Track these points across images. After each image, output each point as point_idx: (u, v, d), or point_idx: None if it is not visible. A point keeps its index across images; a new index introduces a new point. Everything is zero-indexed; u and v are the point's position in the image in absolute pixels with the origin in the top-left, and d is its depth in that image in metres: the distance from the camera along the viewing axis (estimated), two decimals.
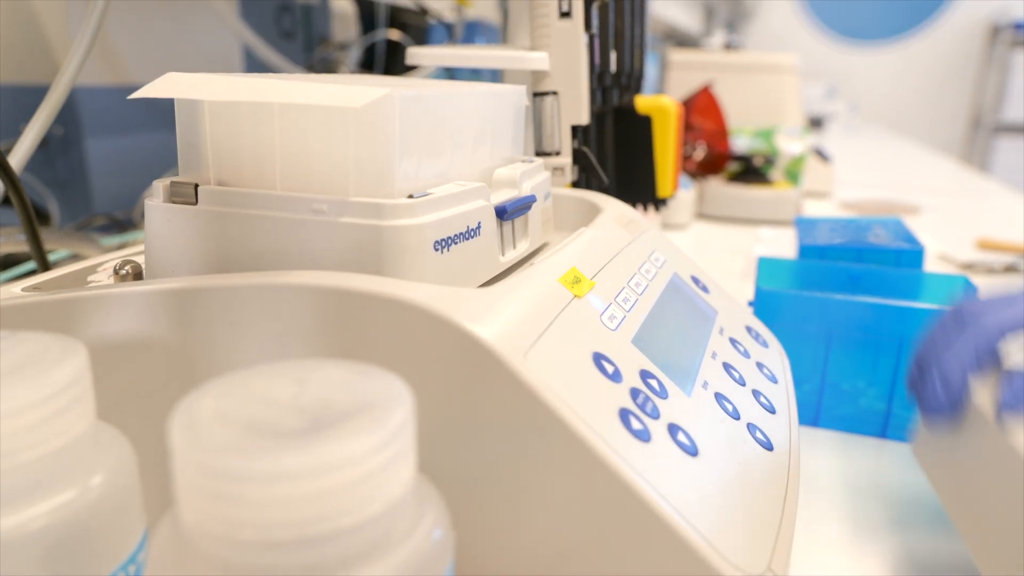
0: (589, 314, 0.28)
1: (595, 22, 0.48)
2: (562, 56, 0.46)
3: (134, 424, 0.23)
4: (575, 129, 0.47)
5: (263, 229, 0.27)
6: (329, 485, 0.15)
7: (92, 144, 0.76)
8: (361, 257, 0.26)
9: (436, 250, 0.27)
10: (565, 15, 0.46)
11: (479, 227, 0.30)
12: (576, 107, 0.47)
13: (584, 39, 0.46)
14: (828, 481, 0.42)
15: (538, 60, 0.43)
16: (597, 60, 0.50)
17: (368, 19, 1.39)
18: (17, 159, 0.40)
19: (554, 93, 0.47)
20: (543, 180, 0.36)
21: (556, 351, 0.24)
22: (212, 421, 0.16)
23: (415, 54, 0.46)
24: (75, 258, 0.60)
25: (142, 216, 0.78)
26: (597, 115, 0.52)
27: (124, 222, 0.75)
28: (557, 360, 0.24)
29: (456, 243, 0.28)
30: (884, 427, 0.48)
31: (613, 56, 0.53)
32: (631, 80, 0.58)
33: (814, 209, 1.19)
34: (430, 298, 0.23)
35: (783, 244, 0.95)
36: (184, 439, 0.15)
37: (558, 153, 0.48)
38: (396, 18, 1.42)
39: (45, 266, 0.40)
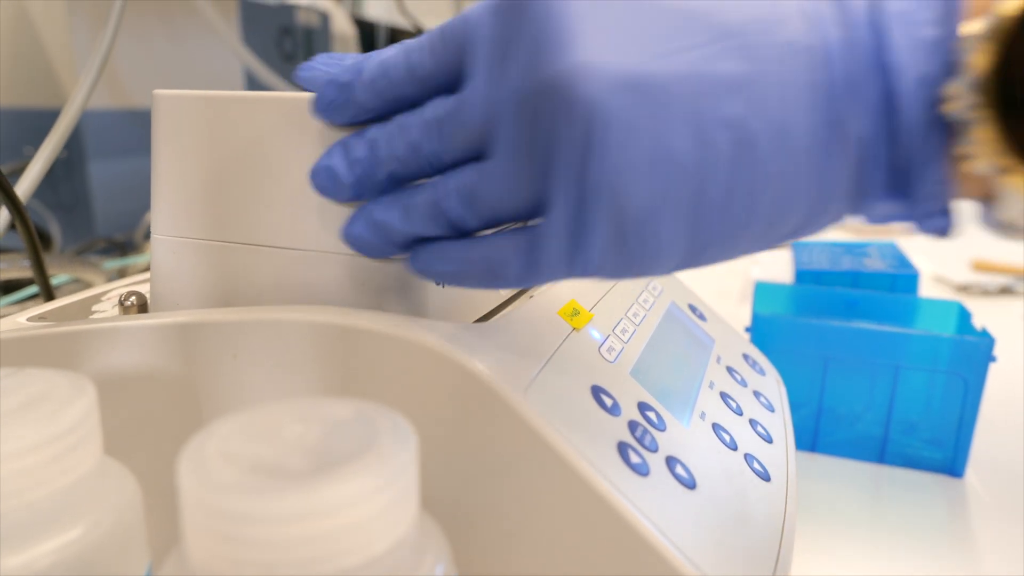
0: (588, 346, 0.28)
1: None
2: None
3: (137, 456, 0.23)
4: None
5: (267, 263, 0.28)
6: (333, 526, 0.16)
7: (95, 167, 0.77)
8: (363, 291, 0.27)
9: (437, 283, 0.27)
10: None
11: None
12: None
13: None
14: (826, 507, 0.43)
15: None
16: None
17: (368, 41, 1.41)
18: (24, 187, 0.41)
19: None
20: None
21: (555, 385, 0.25)
22: (218, 461, 0.16)
23: None
24: (77, 283, 0.61)
25: (144, 238, 0.79)
26: None
27: (125, 244, 0.76)
28: (556, 394, 0.24)
29: None
30: (881, 452, 0.48)
31: None
32: None
33: None
34: (429, 334, 0.24)
35: (780, 266, 0.96)
36: (191, 479, 0.16)
37: None
38: (395, 40, 1.43)
39: (49, 295, 0.40)
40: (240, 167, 0.27)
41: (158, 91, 0.28)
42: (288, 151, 0.26)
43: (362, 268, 0.26)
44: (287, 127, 0.26)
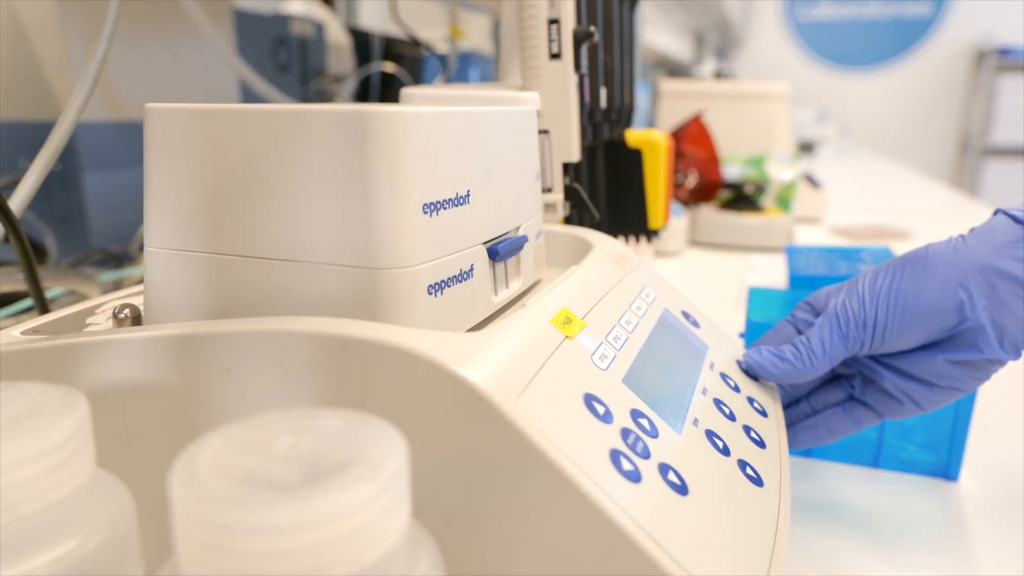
0: (580, 354, 0.28)
1: (584, 62, 0.49)
2: (553, 96, 0.47)
3: (131, 468, 0.24)
4: (566, 166, 0.48)
5: (260, 274, 0.28)
6: (325, 537, 0.16)
7: (89, 179, 0.77)
8: (356, 302, 0.27)
9: (430, 294, 0.27)
10: (555, 57, 0.47)
11: (472, 269, 0.30)
12: (567, 145, 0.48)
13: (574, 80, 0.48)
14: (820, 512, 0.43)
15: (529, 101, 0.44)
16: (587, 98, 0.51)
17: (363, 51, 1.41)
18: (18, 201, 0.41)
19: (545, 132, 0.48)
20: (536, 219, 0.37)
21: (548, 393, 0.25)
22: (210, 473, 0.16)
23: (410, 94, 0.47)
24: (72, 295, 0.61)
25: (139, 250, 0.79)
26: (588, 149, 0.53)
27: (120, 256, 0.76)
28: (549, 403, 0.25)
29: (450, 286, 0.29)
30: (876, 456, 0.48)
31: (603, 93, 0.54)
32: (621, 115, 0.60)
33: (806, 235, 1.20)
34: (422, 343, 0.24)
35: (775, 271, 0.96)
36: (183, 491, 0.16)
37: (550, 190, 0.49)
38: (391, 50, 1.44)
39: (44, 308, 0.40)
40: (233, 179, 0.27)
41: (150, 104, 0.28)
42: (281, 163, 0.27)
43: (354, 279, 0.27)
44: (280, 139, 0.26)
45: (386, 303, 0.26)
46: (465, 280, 0.30)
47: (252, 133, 0.27)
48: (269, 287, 0.28)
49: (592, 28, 0.48)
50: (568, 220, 0.50)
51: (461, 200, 0.29)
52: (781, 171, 1.14)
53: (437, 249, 0.28)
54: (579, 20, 0.49)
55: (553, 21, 0.47)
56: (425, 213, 0.27)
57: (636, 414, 0.28)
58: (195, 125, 0.27)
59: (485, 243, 0.31)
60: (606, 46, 0.54)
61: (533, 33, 0.47)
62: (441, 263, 0.28)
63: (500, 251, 0.32)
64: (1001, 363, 0.36)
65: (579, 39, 0.47)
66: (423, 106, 0.27)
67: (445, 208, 0.28)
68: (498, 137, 0.32)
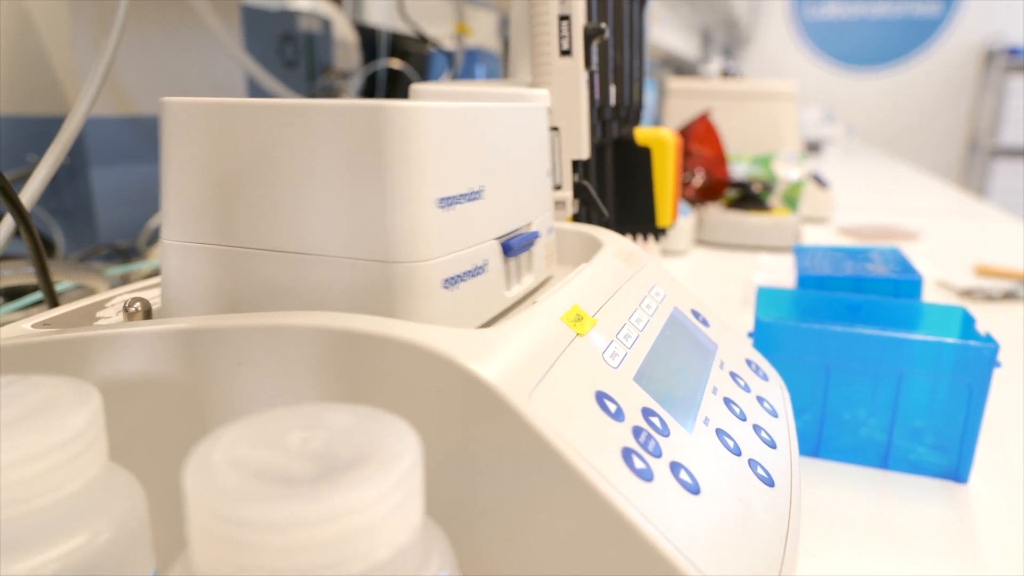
0: (591, 352, 0.28)
1: (595, 59, 0.49)
2: (563, 93, 0.47)
3: (142, 463, 0.23)
4: (575, 163, 0.48)
5: (275, 267, 0.28)
6: (338, 532, 0.16)
7: (97, 174, 0.77)
8: (371, 296, 0.27)
9: (445, 288, 0.27)
10: (566, 53, 0.47)
11: (486, 264, 0.30)
12: (576, 142, 0.48)
13: (584, 76, 0.47)
14: (829, 513, 0.43)
15: (539, 97, 0.44)
16: (597, 95, 0.51)
17: (370, 48, 1.41)
18: (29, 195, 0.41)
19: (555, 129, 0.47)
20: (547, 215, 0.37)
21: (559, 391, 0.25)
22: (224, 467, 0.16)
23: (420, 90, 0.47)
24: (80, 289, 0.61)
25: (146, 244, 0.79)
26: (597, 147, 0.53)
27: (128, 251, 0.76)
28: (560, 400, 0.24)
29: (464, 280, 0.29)
30: (885, 458, 0.48)
31: (613, 90, 0.54)
32: (630, 112, 0.59)
33: (813, 235, 1.20)
34: (434, 339, 0.24)
35: (782, 271, 0.96)
36: (197, 486, 0.16)
37: (559, 187, 0.48)
38: (397, 47, 1.44)
39: (54, 302, 0.40)
40: (248, 173, 0.27)
41: (167, 99, 0.28)
42: (296, 157, 0.27)
43: (369, 273, 0.27)
44: (295, 133, 0.26)
45: (401, 297, 0.26)
46: (479, 275, 0.30)
47: (267, 127, 0.26)
48: (283, 281, 0.28)
49: (603, 25, 0.47)
50: (576, 218, 0.50)
51: (475, 195, 0.29)
52: (788, 170, 1.14)
53: (452, 243, 0.28)
54: (589, 17, 0.48)
55: (564, 17, 0.46)
56: (440, 208, 0.27)
57: (647, 412, 0.27)
58: (212, 119, 0.27)
59: (498, 238, 0.31)
60: (616, 43, 0.54)
61: (544, 29, 0.47)
62: (456, 257, 0.28)
63: (513, 246, 0.32)
64: None
65: (590, 36, 0.47)
66: (436, 102, 0.27)
67: (460, 203, 0.28)
68: (511, 133, 0.32)
